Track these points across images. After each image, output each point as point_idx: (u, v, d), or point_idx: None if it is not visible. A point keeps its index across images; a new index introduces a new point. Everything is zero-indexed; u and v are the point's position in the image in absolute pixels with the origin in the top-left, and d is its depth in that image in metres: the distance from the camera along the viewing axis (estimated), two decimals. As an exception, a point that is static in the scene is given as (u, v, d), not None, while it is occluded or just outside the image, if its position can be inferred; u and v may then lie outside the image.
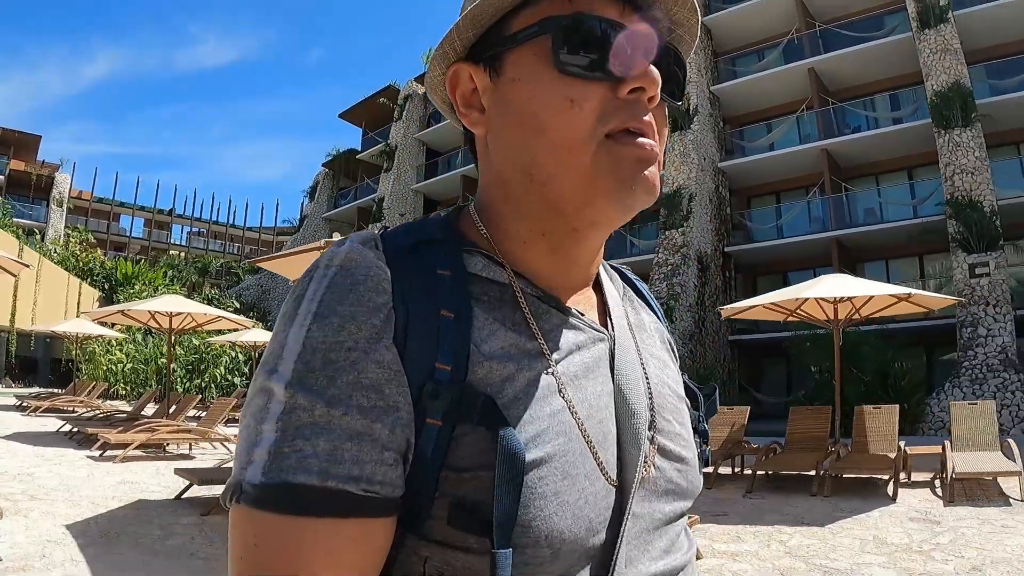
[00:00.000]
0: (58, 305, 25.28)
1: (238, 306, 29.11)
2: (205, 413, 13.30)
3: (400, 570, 0.54)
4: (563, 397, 0.58)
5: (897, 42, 20.59)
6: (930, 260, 20.95)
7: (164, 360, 18.42)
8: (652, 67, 0.59)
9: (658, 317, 0.81)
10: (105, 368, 20.62)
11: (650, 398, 0.66)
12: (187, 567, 4.77)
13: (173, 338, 13.63)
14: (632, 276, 0.82)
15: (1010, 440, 8.37)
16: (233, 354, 22.41)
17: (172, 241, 49.57)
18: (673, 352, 0.80)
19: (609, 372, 0.63)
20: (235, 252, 49.29)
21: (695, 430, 0.72)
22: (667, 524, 0.64)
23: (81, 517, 6.04)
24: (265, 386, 0.53)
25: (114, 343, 21.22)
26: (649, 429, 0.63)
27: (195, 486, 7.02)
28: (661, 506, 0.63)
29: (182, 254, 43.71)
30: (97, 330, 17.57)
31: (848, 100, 22.45)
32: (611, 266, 0.78)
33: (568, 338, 0.62)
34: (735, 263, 23.46)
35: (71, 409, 15.80)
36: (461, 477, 0.52)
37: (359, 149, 38.54)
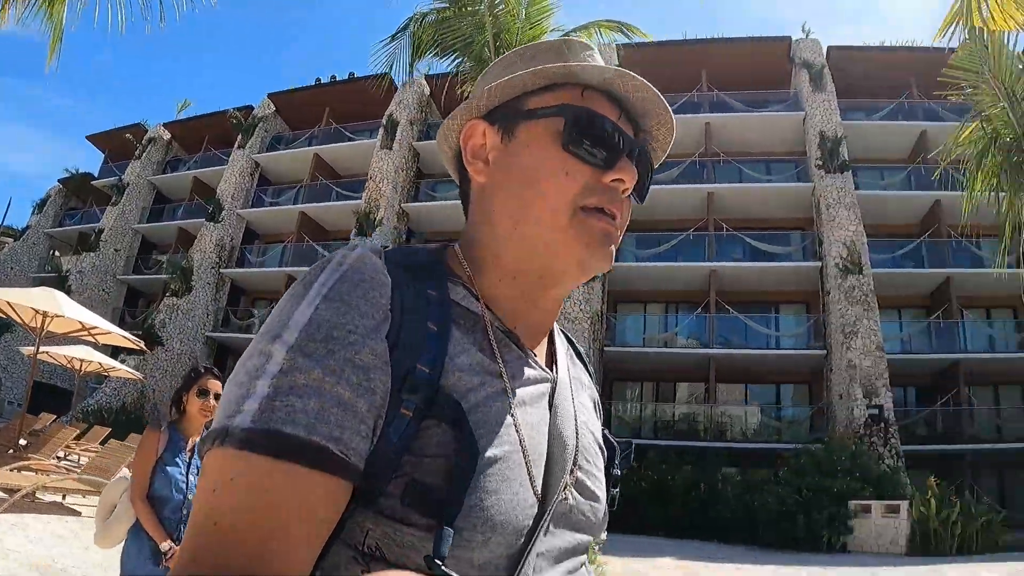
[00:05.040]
0: None
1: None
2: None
3: (344, 539, 0.61)
4: (512, 415, 0.68)
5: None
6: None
7: None
8: (632, 166, 0.74)
9: (592, 379, 0.92)
10: None
11: (576, 438, 0.75)
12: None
13: None
14: (575, 341, 0.93)
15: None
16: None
17: None
18: (598, 410, 0.90)
19: (548, 408, 0.74)
20: (-46, 241, 41.25)
21: (607, 475, 0.81)
22: (574, 550, 0.72)
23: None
24: (266, 349, 0.60)
25: None
26: (572, 463, 0.73)
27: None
28: (571, 534, 0.72)
29: None
30: None
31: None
32: (560, 329, 0.88)
33: (521, 370, 0.73)
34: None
35: None
36: (421, 462, 0.61)
37: (95, 175, 38.34)
